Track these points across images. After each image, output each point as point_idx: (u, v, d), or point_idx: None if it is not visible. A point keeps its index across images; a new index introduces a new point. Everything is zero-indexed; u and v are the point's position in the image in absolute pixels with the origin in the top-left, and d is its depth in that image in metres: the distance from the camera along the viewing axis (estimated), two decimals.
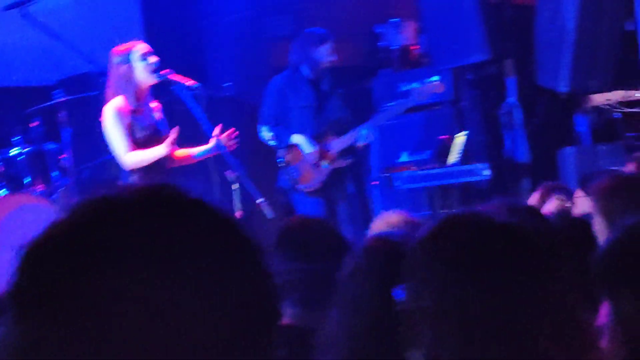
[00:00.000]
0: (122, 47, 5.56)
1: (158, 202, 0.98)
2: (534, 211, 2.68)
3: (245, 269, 0.99)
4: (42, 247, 0.96)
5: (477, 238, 1.47)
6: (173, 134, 5.41)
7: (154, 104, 5.63)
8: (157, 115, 5.62)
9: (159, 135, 5.52)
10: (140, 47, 5.52)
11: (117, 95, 5.46)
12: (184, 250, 0.95)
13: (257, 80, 7.67)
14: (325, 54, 6.42)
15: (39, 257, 0.95)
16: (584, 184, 2.82)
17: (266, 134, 6.54)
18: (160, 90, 5.68)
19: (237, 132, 5.58)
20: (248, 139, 6.34)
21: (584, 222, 2.84)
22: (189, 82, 5.55)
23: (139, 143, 5.45)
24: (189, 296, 0.94)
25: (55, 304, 0.93)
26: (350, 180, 6.63)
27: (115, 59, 5.50)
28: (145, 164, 5.43)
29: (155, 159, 5.43)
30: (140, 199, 0.98)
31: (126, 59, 5.47)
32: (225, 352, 0.95)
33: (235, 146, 5.54)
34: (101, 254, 0.93)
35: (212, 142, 5.53)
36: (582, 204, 2.38)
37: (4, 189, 6.31)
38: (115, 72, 5.49)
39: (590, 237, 2.69)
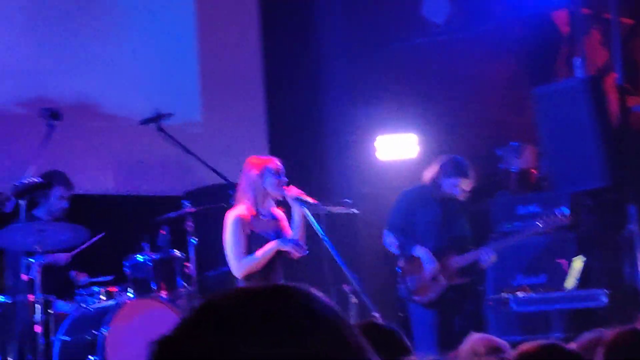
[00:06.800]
0: (258, 158, 5.91)
1: (263, 308, 1.06)
2: None
3: None
4: (168, 344, 1.10)
5: None
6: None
7: (277, 211, 5.88)
8: (277, 223, 5.85)
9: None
10: (275, 163, 5.87)
11: (243, 200, 5.79)
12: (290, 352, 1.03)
13: (374, 199, 7.86)
14: (450, 186, 6.59)
15: (166, 352, 1.09)
16: None
17: (391, 240, 6.68)
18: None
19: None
20: (369, 252, 6.43)
21: None
22: (311, 200, 5.79)
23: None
24: None
25: None
26: (469, 297, 6.68)
27: (250, 168, 5.80)
28: (256, 266, 5.72)
29: (267, 255, 5.72)
30: (241, 304, 1.08)
31: (260, 170, 5.76)
32: None
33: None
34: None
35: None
36: None
37: (131, 292, 6.52)
38: (247, 179, 5.79)
39: None
